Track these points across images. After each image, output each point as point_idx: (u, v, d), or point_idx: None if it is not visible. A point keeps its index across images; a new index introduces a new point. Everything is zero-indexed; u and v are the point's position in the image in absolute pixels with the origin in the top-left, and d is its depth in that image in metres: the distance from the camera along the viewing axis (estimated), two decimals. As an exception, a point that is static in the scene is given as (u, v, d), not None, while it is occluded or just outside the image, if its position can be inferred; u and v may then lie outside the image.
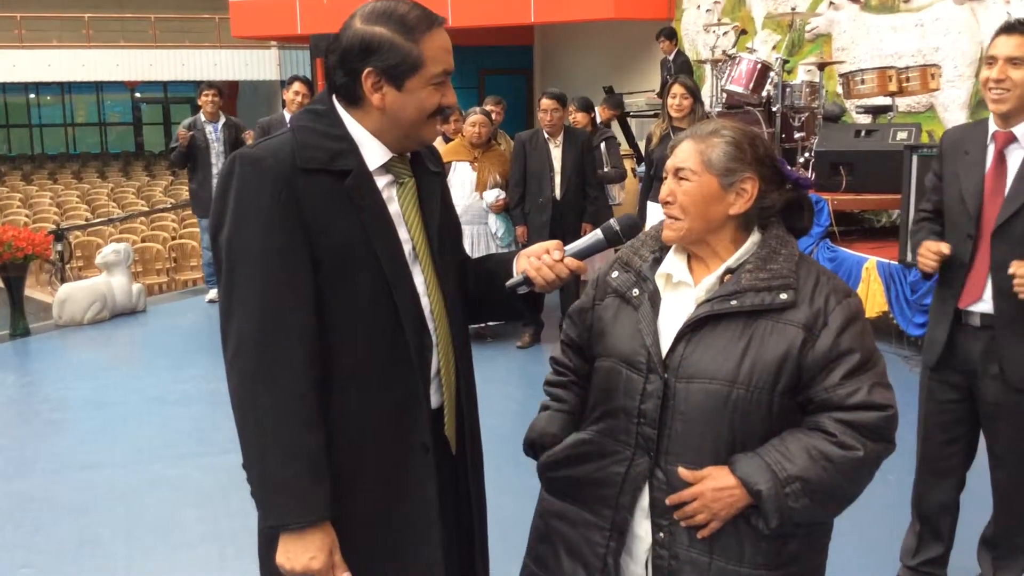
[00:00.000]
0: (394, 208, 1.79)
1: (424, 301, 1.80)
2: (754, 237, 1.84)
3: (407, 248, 1.79)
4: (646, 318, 1.83)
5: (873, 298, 5.90)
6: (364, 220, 1.72)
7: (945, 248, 2.79)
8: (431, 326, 1.82)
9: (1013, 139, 2.75)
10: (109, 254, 7.84)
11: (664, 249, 1.90)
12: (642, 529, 1.83)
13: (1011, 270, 2.67)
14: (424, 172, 1.86)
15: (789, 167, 1.89)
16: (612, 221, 1.86)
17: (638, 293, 1.87)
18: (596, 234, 1.85)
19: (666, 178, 1.86)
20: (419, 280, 1.80)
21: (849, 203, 6.79)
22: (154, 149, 27.18)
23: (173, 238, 12.60)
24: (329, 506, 1.68)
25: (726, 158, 1.79)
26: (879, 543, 3.45)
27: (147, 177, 21.68)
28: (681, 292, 1.84)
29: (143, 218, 14.23)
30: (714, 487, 1.72)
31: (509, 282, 1.83)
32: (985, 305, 2.79)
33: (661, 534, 1.79)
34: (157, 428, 5.20)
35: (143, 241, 12.09)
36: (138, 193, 18.60)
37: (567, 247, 1.82)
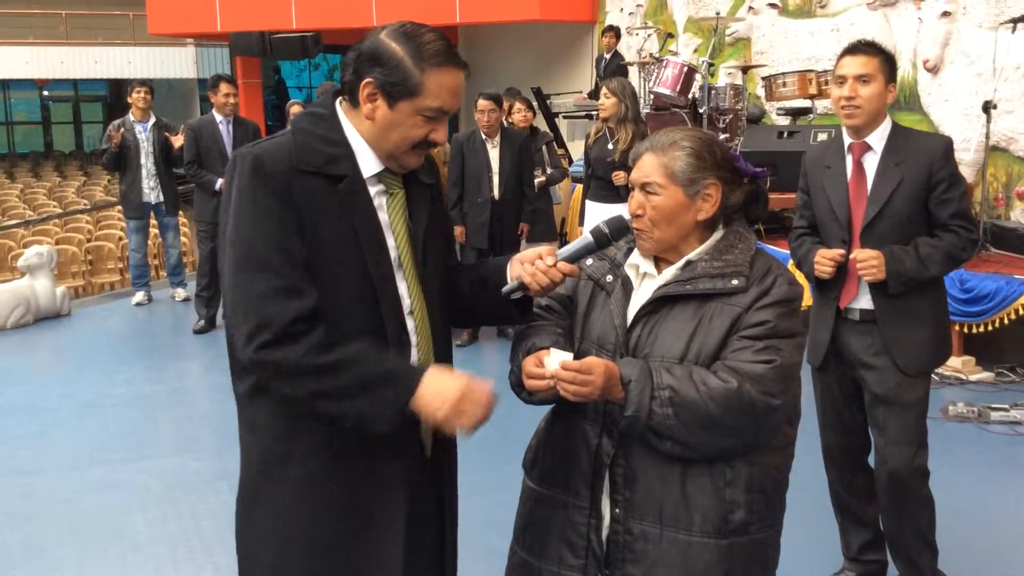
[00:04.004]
0: (383, 217, 1.85)
1: (405, 303, 1.87)
2: (717, 234, 1.96)
3: (392, 255, 1.85)
4: (617, 301, 1.95)
5: (798, 293, 6.11)
6: (354, 224, 1.79)
7: (840, 254, 2.98)
8: (411, 326, 1.88)
9: (868, 148, 3.00)
10: (32, 256, 7.62)
11: None
12: (604, 507, 1.93)
13: (852, 255, 2.93)
14: (415, 184, 1.93)
15: (744, 162, 2.00)
16: (601, 224, 1.92)
17: (611, 279, 1.98)
18: (586, 237, 1.92)
19: (632, 191, 1.95)
20: (402, 286, 1.87)
21: (773, 202, 6.86)
22: (64, 149, 26.28)
23: (88, 240, 12.25)
24: (413, 367, 1.81)
25: (689, 168, 1.89)
26: (826, 537, 3.47)
27: (58, 178, 21.00)
28: (647, 282, 1.96)
29: (57, 220, 13.80)
30: (608, 372, 1.78)
31: (505, 288, 1.90)
32: (863, 301, 3.01)
33: (617, 509, 1.90)
34: (94, 433, 5.11)
35: (57, 244, 11.72)
36: (49, 194, 18.01)
37: (559, 252, 1.89)
